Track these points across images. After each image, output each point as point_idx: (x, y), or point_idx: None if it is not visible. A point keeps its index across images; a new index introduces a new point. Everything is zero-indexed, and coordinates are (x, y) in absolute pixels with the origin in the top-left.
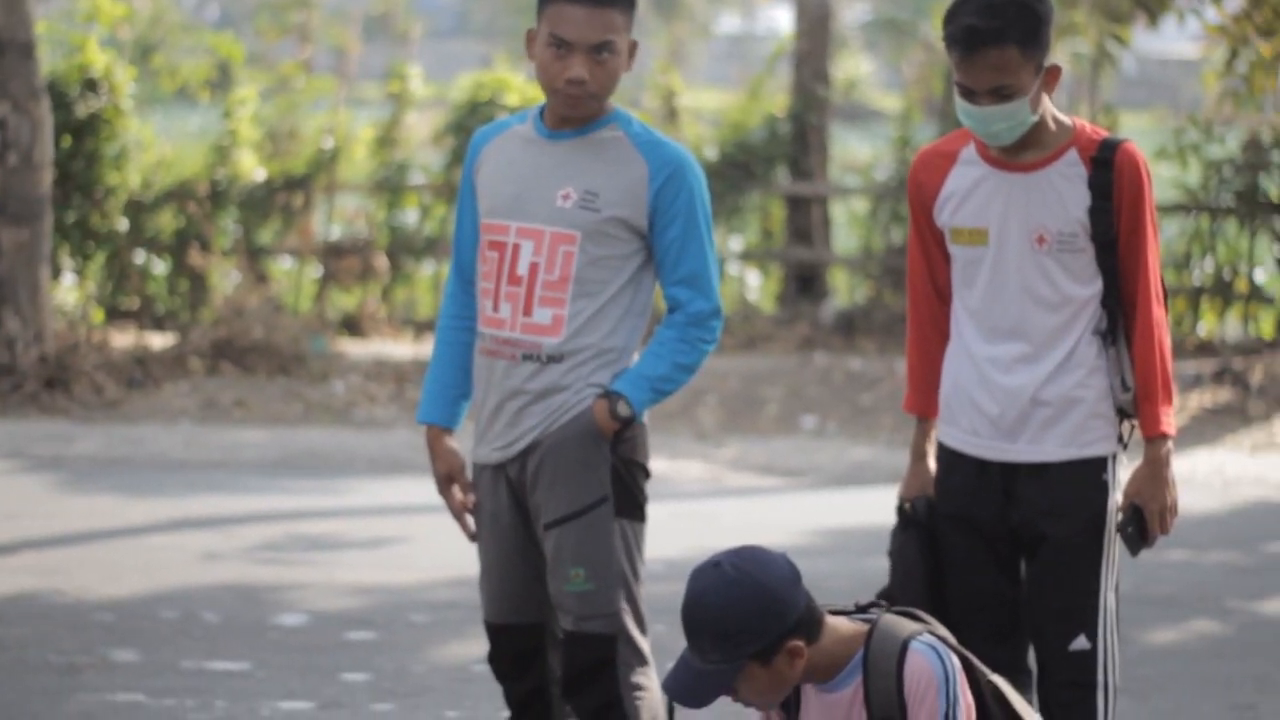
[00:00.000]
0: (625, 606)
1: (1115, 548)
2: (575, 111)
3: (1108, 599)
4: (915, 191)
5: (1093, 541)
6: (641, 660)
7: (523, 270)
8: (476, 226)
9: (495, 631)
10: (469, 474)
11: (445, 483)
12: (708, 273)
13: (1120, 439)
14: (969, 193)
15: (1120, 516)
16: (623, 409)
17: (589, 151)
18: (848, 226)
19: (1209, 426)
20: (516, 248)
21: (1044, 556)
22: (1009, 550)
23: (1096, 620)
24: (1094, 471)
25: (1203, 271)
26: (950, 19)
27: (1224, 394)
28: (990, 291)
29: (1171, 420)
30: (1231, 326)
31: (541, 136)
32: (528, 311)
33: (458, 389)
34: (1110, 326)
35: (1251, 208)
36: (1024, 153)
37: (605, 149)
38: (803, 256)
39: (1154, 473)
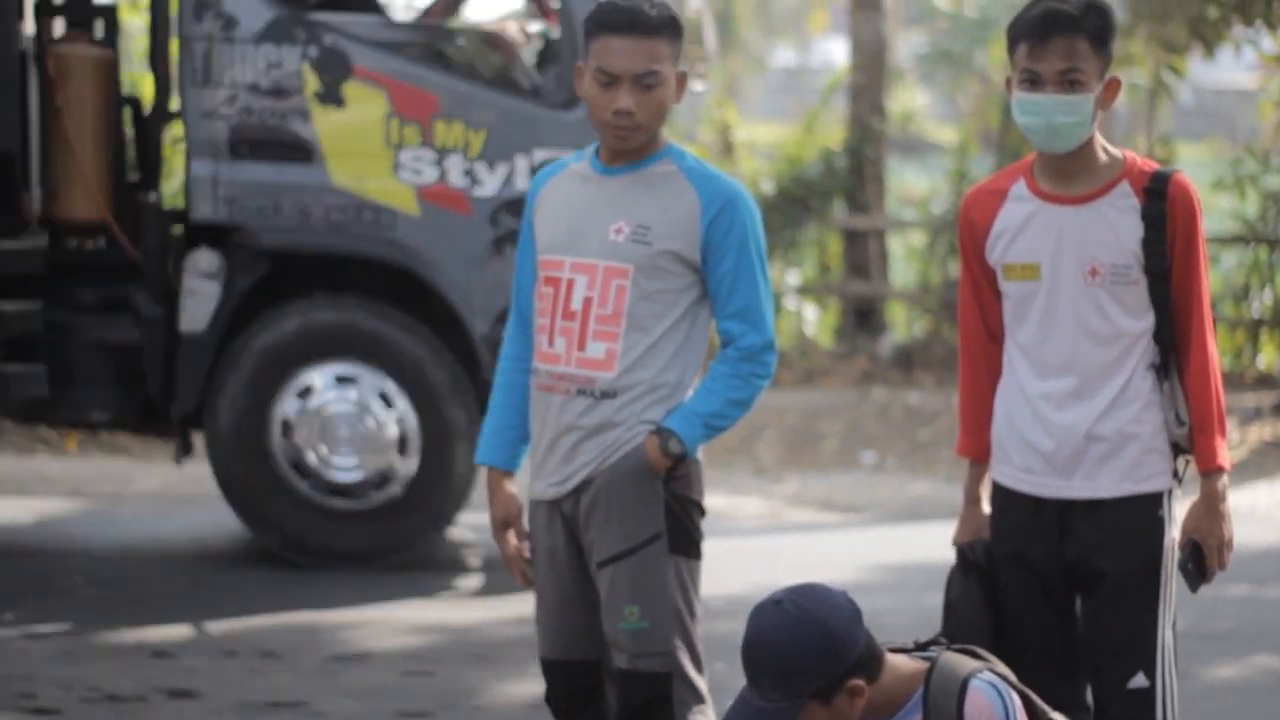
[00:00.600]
0: (680, 644)
1: (1173, 584)
2: (625, 144)
3: (1166, 636)
4: (967, 230)
5: (1150, 578)
6: (698, 698)
7: (576, 305)
8: (535, 267)
9: (552, 668)
10: (526, 512)
11: (501, 528)
12: (761, 307)
13: (1176, 474)
14: (1021, 228)
15: (1180, 554)
16: (674, 446)
17: (642, 186)
18: (905, 260)
19: (1269, 460)
20: (571, 283)
21: (1100, 594)
22: (1064, 588)
23: (1155, 658)
24: (1150, 507)
25: (1261, 303)
26: (1022, 13)
27: (1276, 427)
28: (1043, 327)
29: (1226, 453)
30: None
31: (596, 173)
32: (581, 346)
33: (518, 430)
34: (1164, 360)
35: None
36: (1075, 185)
37: (658, 183)
38: (860, 290)
39: (1210, 508)
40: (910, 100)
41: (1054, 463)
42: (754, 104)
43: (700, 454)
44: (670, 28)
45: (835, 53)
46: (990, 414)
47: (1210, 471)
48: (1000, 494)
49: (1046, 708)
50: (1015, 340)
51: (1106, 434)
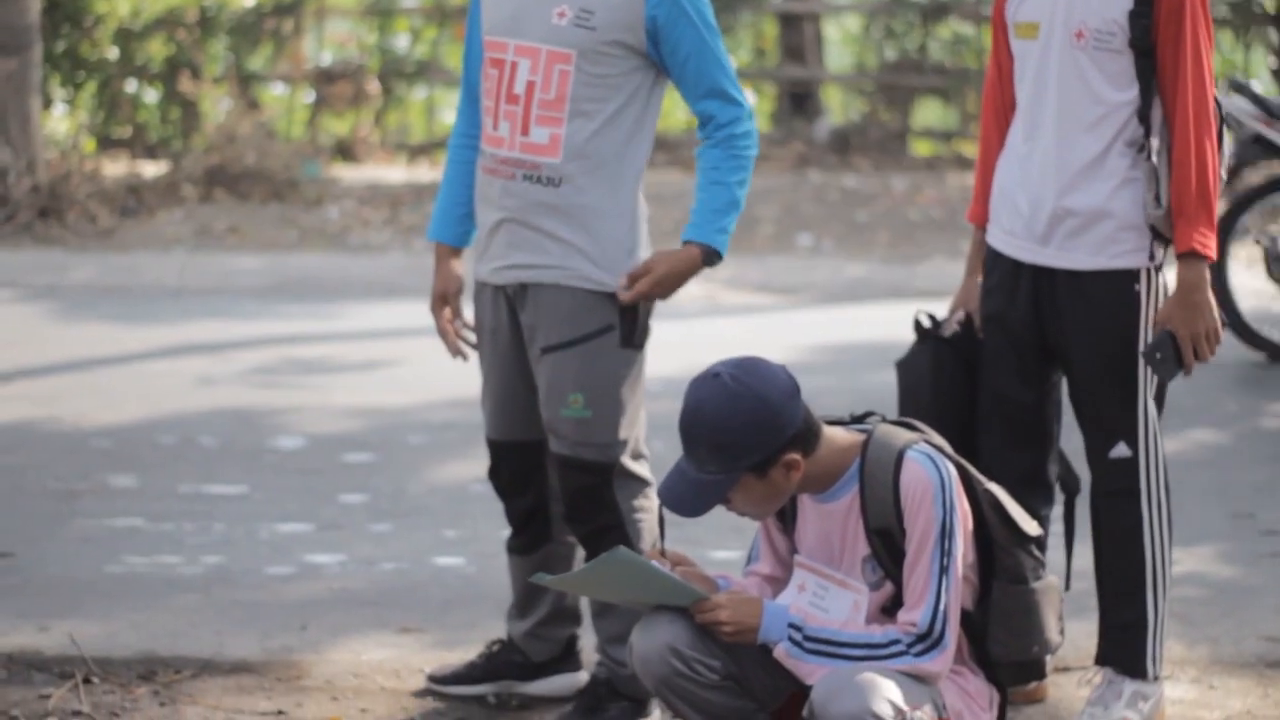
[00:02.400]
0: (623, 436)
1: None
2: None
3: (1148, 408)
4: None
5: (1127, 351)
6: (641, 482)
7: (520, 89)
8: (481, 46)
9: (496, 448)
10: (469, 295)
11: (438, 301)
12: (728, 78)
13: (1152, 256)
14: None
15: (1148, 343)
16: (714, 260)
17: None
18: (841, 44)
19: None
20: (514, 65)
21: (1079, 366)
22: (1038, 360)
23: (1136, 428)
24: (1125, 283)
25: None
26: None
27: (1221, 205)
28: (1035, 87)
29: (1206, 240)
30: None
31: None
32: (525, 131)
33: (466, 206)
34: (1145, 139)
35: (1245, 19)
36: None
37: None
38: (795, 75)
39: (1183, 297)
40: None
41: (1032, 228)
42: None
43: (642, 249)
44: None
45: None
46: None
47: (1184, 254)
48: (989, 255)
49: (982, 478)
50: (1018, 101)
51: (1076, 209)
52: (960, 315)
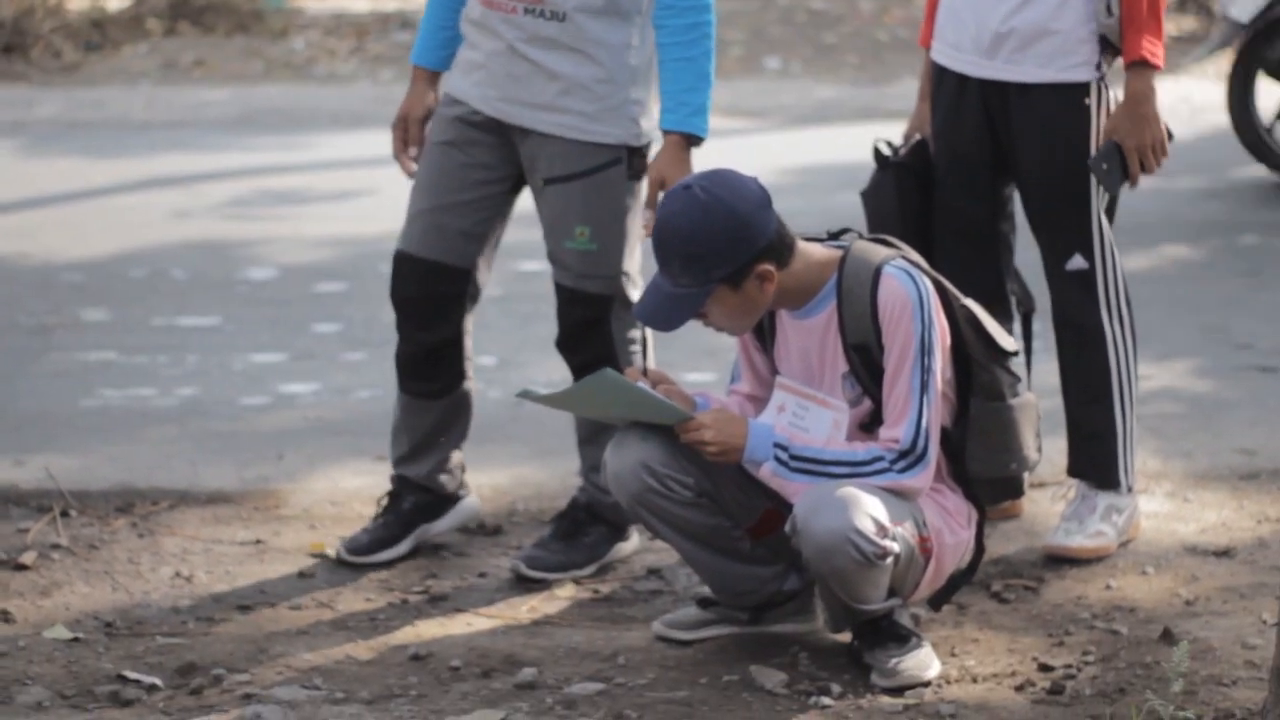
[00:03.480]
0: (626, 267)
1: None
2: None
3: (1100, 220)
4: None
5: (1078, 164)
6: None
7: None
8: None
9: (417, 267)
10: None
11: (400, 123)
12: None
13: (1099, 67)
14: None
15: (1096, 153)
16: (696, 144)
17: None
18: None
19: (1173, 54)
20: None
21: (1030, 179)
22: (988, 173)
23: (1091, 240)
24: (1076, 95)
25: None
26: None
27: (1188, 22)
28: None
29: (1155, 49)
30: None
31: None
32: None
33: (452, 30)
34: None
35: None
36: None
37: None
38: None
39: (1132, 109)
40: None
41: (979, 43)
42: None
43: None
44: None
45: None
46: None
47: (1133, 63)
48: (936, 71)
49: (958, 293)
50: None
51: (1025, 22)
52: (916, 138)
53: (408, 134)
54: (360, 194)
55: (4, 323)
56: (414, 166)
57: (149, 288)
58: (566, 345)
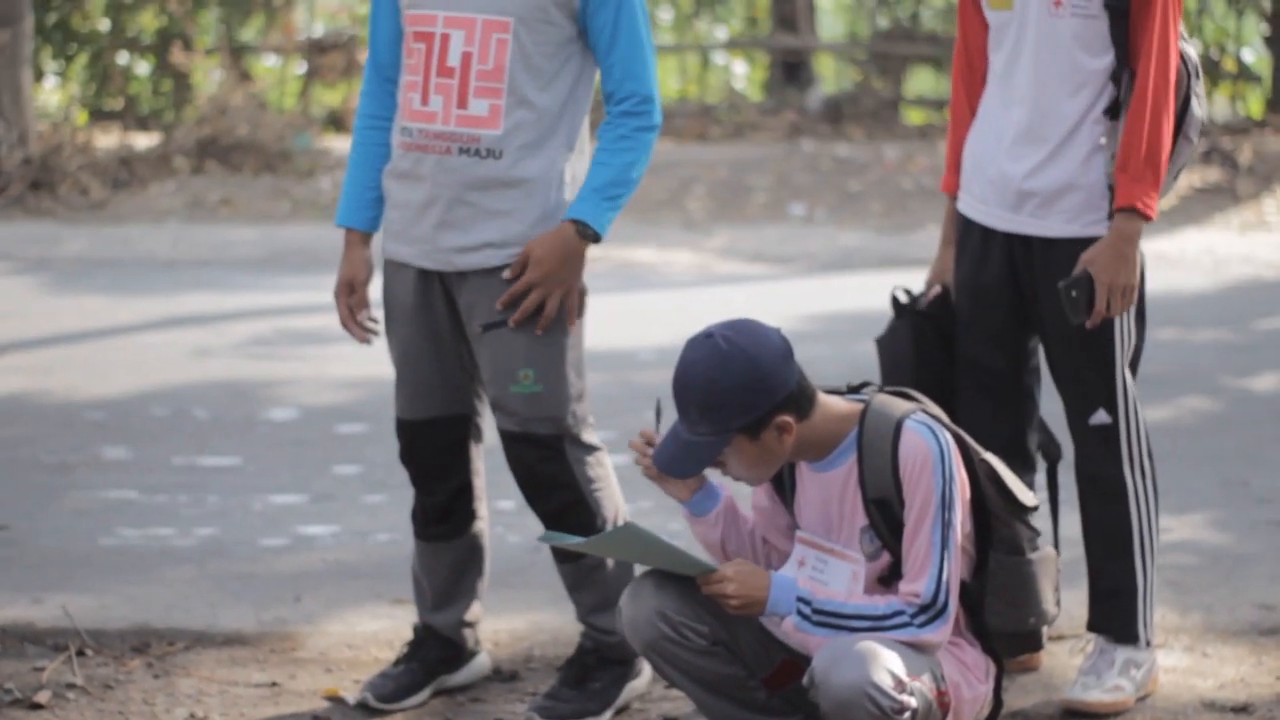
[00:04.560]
0: (573, 406)
1: (1130, 325)
2: None
3: (1124, 374)
4: None
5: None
6: (590, 450)
7: (454, 61)
8: (394, 19)
9: (417, 429)
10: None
11: (344, 290)
12: (641, 58)
13: (1112, 215)
14: None
15: (1067, 279)
16: (589, 235)
17: None
18: (833, 13)
19: (1198, 206)
20: (445, 38)
21: (1054, 332)
22: (1012, 325)
23: (1115, 395)
24: None
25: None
26: None
27: (1213, 174)
28: (1011, 56)
29: (1148, 199)
30: (1220, 106)
31: None
32: (463, 104)
33: (376, 190)
34: (1116, 102)
35: None
36: None
37: None
38: (788, 43)
39: (1116, 249)
40: None
41: (1002, 196)
42: None
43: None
44: None
45: None
46: None
47: (1122, 209)
48: (962, 222)
49: (979, 448)
50: (992, 70)
51: (1043, 184)
52: (937, 289)
53: (353, 299)
54: (382, 335)
55: (26, 460)
56: (365, 333)
57: (170, 427)
58: (529, 493)
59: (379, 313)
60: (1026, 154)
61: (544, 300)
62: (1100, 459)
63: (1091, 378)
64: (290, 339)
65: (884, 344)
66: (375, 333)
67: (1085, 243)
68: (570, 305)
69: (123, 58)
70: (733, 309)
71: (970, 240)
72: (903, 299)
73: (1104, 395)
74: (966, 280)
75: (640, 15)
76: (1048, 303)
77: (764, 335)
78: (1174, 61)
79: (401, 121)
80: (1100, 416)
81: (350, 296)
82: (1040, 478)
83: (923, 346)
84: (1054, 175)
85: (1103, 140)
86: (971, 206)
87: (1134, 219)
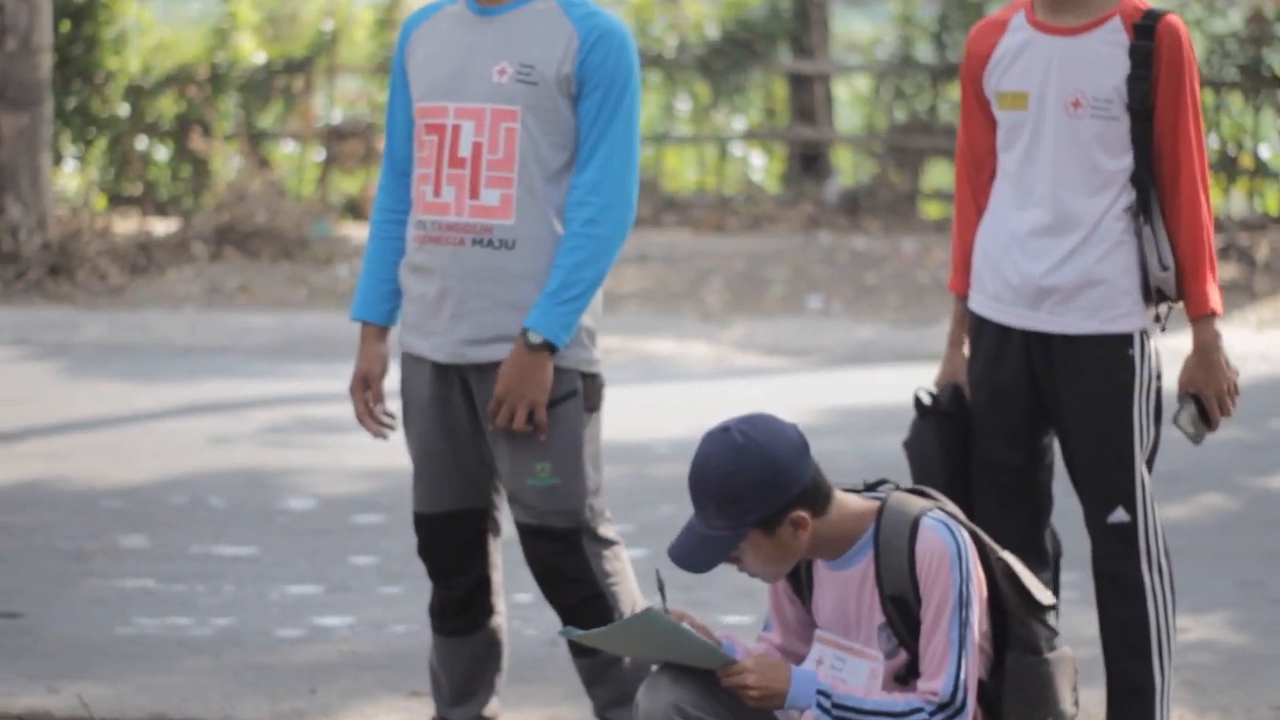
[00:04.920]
0: (590, 500)
1: (1149, 424)
2: None
3: (1142, 473)
4: (969, 62)
5: (1122, 416)
6: (607, 544)
7: (465, 152)
8: (409, 114)
9: (436, 522)
10: (397, 367)
11: (360, 384)
12: (608, 150)
13: (1158, 318)
14: (1015, 57)
15: (1179, 408)
16: (533, 339)
17: (522, 24)
18: (850, 105)
19: None
20: (457, 129)
21: (1073, 430)
22: (1028, 423)
23: (1134, 494)
24: (1119, 346)
25: (1208, 148)
26: None
27: (1230, 270)
28: (1027, 156)
29: (1217, 298)
30: (1237, 202)
31: (474, 14)
32: (475, 194)
33: (393, 283)
34: (1143, 203)
35: (1256, 82)
36: (1070, 16)
37: (538, 20)
38: (806, 136)
39: (1204, 358)
40: None
41: (1021, 295)
42: None
43: (586, 319)
44: None
45: None
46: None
47: (1201, 317)
48: (974, 321)
49: (996, 546)
50: (1003, 169)
51: (1064, 281)
52: (951, 386)
53: (370, 393)
54: (400, 428)
55: (42, 547)
56: (382, 428)
57: (188, 515)
58: (546, 588)
59: (395, 405)
60: (1046, 252)
61: (512, 414)
62: (1119, 557)
63: (1111, 475)
64: (307, 427)
65: (911, 446)
66: (391, 427)
67: (1105, 339)
68: (540, 419)
69: (142, 143)
70: (749, 402)
71: (984, 339)
72: (925, 400)
73: (1123, 493)
74: (982, 379)
75: (623, 112)
76: (1067, 400)
77: (780, 430)
78: (1204, 161)
79: (416, 215)
80: (1119, 515)
81: (366, 391)
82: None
83: (948, 447)
84: (1074, 272)
85: (1124, 238)
86: (986, 305)
87: (1210, 323)
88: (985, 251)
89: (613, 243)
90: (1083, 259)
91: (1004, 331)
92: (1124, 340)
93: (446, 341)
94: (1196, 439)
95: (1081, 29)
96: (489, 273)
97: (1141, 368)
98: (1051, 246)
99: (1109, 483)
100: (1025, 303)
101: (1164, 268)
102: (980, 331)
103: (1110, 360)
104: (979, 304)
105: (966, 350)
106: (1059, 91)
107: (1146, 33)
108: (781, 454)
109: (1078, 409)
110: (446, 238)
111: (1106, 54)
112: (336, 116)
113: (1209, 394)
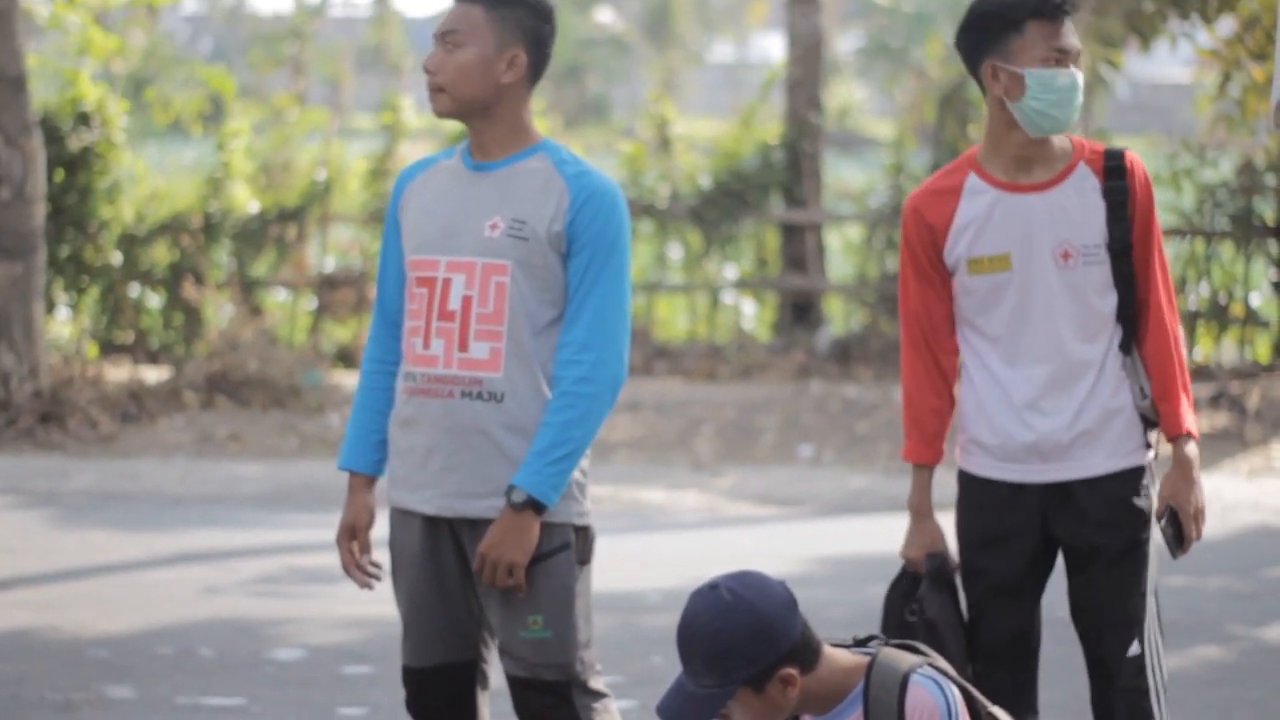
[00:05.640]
0: (581, 652)
1: (1154, 552)
2: (435, 109)
3: (1150, 603)
4: (920, 232)
5: (1140, 549)
6: (597, 696)
7: (455, 305)
8: (401, 266)
9: (426, 676)
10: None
11: (346, 534)
12: (599, 306)
13: (1149, 445)
14: (985, 220)
15: (1159, 521)
16: (516, 496)
17: (515, 180)
18: (842, 254)
19: (1206, 451)
20: (447, 282)
21: (1096, 568)
22: (1035, 574)
23: (1143, 625)
24: (1136, 480)
25: (1198, 296)
26: None
27: (1221, 418)
28: (1016, 317)
29: (1193, 420)
30: (1228, 350)
31: (468, 169)
32: (464, 347)
33: (381, 434)
34: (1127, 337)
35: (1246, 231)
36: (1035, 172)
37: (531, 177)
38: (797, 285)
39: (1184, 474)
40: (847, 95)
41: (1039, 450)
42: (692, 99)
43: (578, 473)
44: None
45: (773, 48)
46: (942, 417)
47: (1178, 436)
48: (973, 483)
49: (986, 702)
50: (982, 333)
51: (1090, 425)
52: (938, 558)
53: (356, 543)
54: (387, 579)
55: (31, 698)
56: (368, 579)
57: (175, 665)
58: None
59: (380, 554)
60: (1061, 407)
61: (494, 571)
62: (1131, 690)
63: (1133, 606)
64: (297, 577)
65: (920, 613)
66: (377, 578)
67: (1124, 475)
68: (518, 580)
69: (134, 291)
70: (741, 551)
71: (985, 496)
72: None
73: (1139, 626)
74: (983, 539)
75: (613, 270)
76: (1093, 538)
77: (768, 587)
78: (1170, 286)
79: (405, 367)
80: (1135, 647)
81: (353, 541)
82: None
83: (957, 610)
84: (1094, 414)
85: (1122, 372)
86: (991, 466)
87: (1189, 442)
88: (983, 415)
89: (603, 401)
90: (1098, 398)
91: (1017, 489)
92: (1139, 473)
93: (436, 494)
94: (1174, 552)
95: (1052, 181)
96: (479, 426)
97: (1152, 497)
98: (1065, 400)
99: (1130, 617)
100: (1043, 458)
101: (1144, 396)
102: (978, 491)
103: (1132, 495)
104: (980, 466)
105: (937, 517)
106: (1046, 246)
107: (1116, 173)
108: (770, 611)
109: (1107, 547)
110: (436, 390)
111: (1084, 201)
112: (329, 265)
113: (1188, 509)
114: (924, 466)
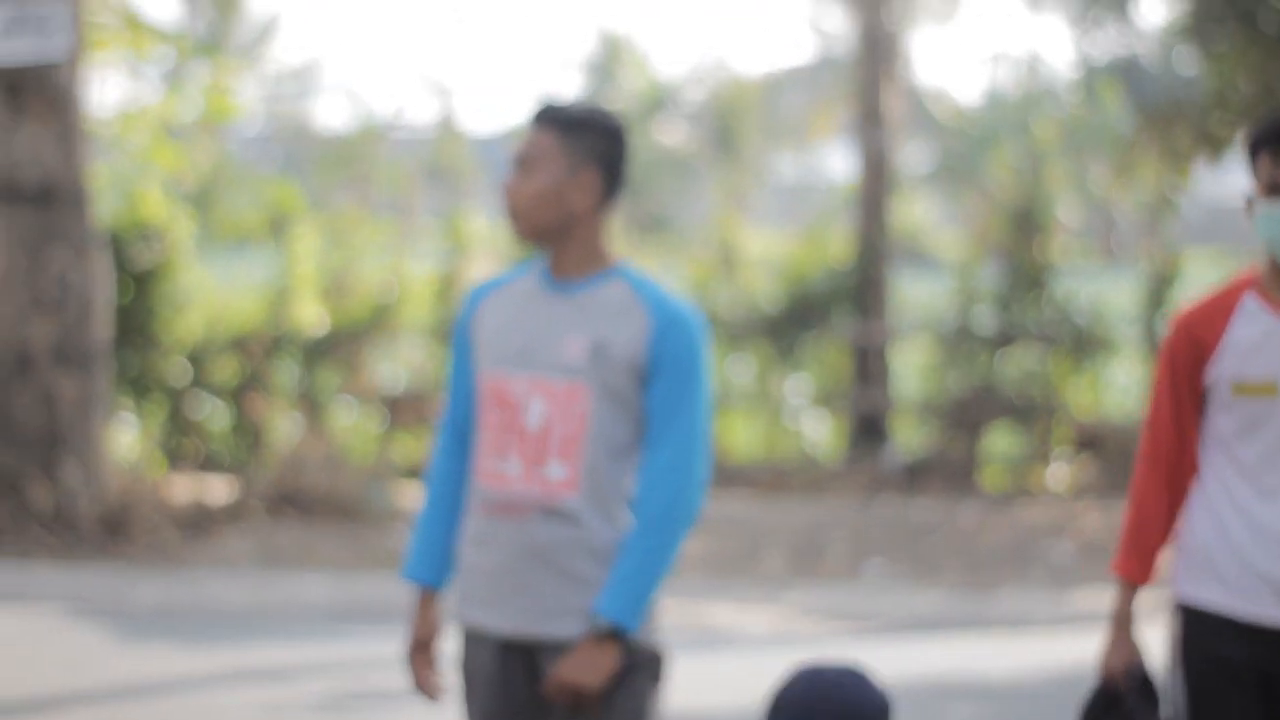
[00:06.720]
0: None
1: None
2: (514, 231)
3: None
4: (1188, 348)
5: None
6: None
7: (534, 424)
8: (471, 381)
9: None
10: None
11: (417, 650)
12: (688, 441)
13: None
14: (1259, 344)
15: None
16: (599, 623)
17: (596, 303)
18: (910, 373)
19: None
20: (526, 400)
21: None
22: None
23: None
24: None
25: None
26: (1264, 123)
27: None
28: (1273, 448)
29: None
30: None
31: (546, 288)
32: (541, 467)
33: (447, 548)
34: None
35: None
36: None
37: (612, 301)
38: (865, 403)
39: None
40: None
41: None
42: (758, 212)
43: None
44: (562, 124)
45: (837, 161)
46: (1162, 536)
47: None
48: (1204, 619)
49: None
50: (1232, 458)
51: None
52: (1139, 674)
53: (425, 657)
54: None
55: None
56: (438, 691)
57: None
58: None
59: (446, 665)
60: None
61: (567, 695)
62: None
63: None
64: (364, 694)
65: None
66: (445, 690)
67: None
68: (594, 705)
69: (201, 406)
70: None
71: (1226, 633)
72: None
73: None
74: (1222, 669)
75: (693, 398)
76: None
77: (869, 687)
78: None
79: (478, 484)
80: None
81: (421, 655)
82: None
83: None
84: None
85: None
86: (1229, 603)
87: None
88: (1225, 544)
89: (684, 527)
90: None
91: (1258, 631)
92: None
93: (511, 614)
94: None
95: None
96: (554, 547)
97: None
98: None
99: None
100: None
101: None
102: (1219, 629)
103: None
104: (1216, 602)
105: (1138, 631)
106: None
107: None
108: (867, 711)
109: None
110: (511, 510)
111: None
112: (397, 380)
113: None
114: (1132, 583)
